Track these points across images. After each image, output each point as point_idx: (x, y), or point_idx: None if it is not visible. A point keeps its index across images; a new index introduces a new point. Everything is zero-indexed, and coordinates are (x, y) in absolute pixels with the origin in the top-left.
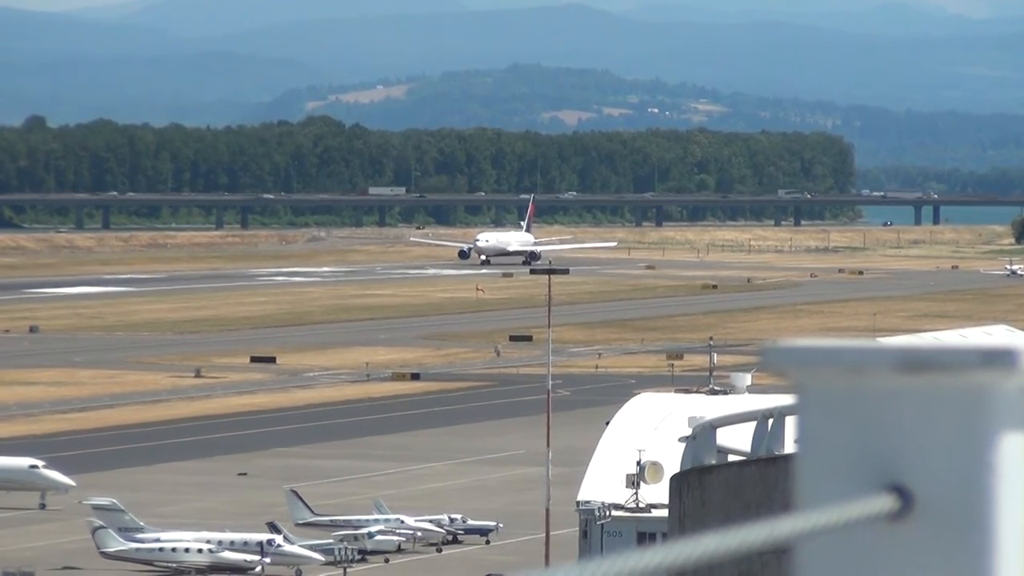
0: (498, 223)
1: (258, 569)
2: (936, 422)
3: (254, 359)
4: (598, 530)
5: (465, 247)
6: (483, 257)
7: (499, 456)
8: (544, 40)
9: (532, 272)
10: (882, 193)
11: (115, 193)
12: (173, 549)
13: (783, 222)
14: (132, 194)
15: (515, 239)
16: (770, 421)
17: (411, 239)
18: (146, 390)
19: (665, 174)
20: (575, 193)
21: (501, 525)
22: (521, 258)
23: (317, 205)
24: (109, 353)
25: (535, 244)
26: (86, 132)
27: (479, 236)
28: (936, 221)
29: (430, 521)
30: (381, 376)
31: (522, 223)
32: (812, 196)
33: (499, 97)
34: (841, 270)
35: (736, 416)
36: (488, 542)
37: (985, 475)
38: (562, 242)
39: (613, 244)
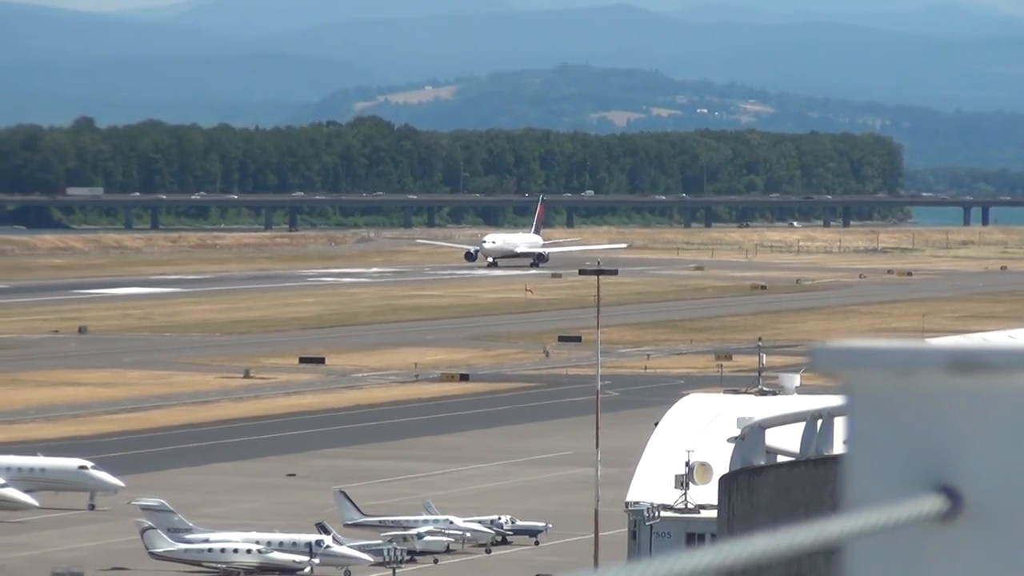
0: (547, 224)
1: (307, 570)
2: (985, 423)
3: (303, 360)
4: (647, 531)
5: (472, 249)
6: (490, 259)
7: (548, 457)
8: (592, 41)
9: (581, 272)
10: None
11: (164, 196)
12: (222, 550)
13: (832, 223)
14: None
15: (523, 241)
16: (819, 422)
17: (418, 241)
18: (195, 391)
19: (714, 175)
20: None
21: (550, 526)
22: (529, 260)
23: (366, 206)
24: (158, 354)
25: (543, 246)
26: (135, 133)
27: (486, 238)
28: (985, 222)
29: (479, 522)
30: (430, 377)
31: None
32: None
33: (547, 98)
34: (890, 271)
35: (785, 417)
36: (537, 543)
37: None
38: (571, 244)
39: (624, 245)
